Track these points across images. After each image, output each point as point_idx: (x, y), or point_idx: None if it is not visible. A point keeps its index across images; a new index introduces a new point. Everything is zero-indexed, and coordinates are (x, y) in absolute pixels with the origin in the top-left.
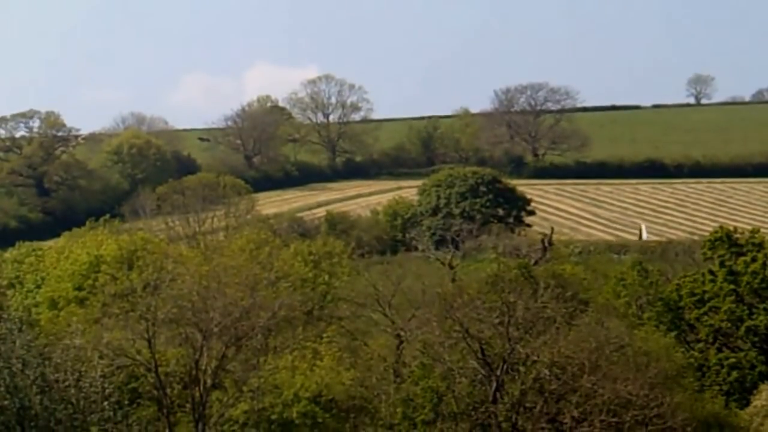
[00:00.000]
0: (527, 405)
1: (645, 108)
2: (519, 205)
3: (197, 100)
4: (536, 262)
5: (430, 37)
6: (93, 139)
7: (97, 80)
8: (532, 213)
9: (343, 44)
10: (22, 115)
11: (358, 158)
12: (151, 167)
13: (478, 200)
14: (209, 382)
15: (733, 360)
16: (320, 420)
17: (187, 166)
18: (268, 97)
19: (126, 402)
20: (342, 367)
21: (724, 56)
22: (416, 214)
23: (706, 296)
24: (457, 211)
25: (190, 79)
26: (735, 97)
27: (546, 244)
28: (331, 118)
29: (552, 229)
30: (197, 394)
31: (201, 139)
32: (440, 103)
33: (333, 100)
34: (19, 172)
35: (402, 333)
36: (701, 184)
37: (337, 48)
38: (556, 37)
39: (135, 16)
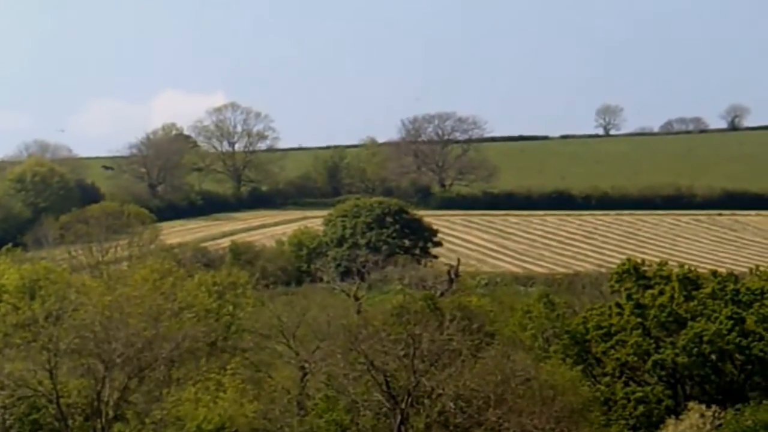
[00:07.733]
0: None
1: (553, 138)
2: (425, 236)
3: (102, 127)
4: (442, 294)
5: (335, 65)
6: None
7: None
8: (438, 244)
9: (250, 72)
10: None
11: (263, 188)
12: (55, 196)
13: (384, 231)
14: (111, 413)
15: (639, 394)
16: None
17: (90, 195)
18: (173, 125)
19: None
20: (245, 399)
21: (633, 87)
22: (322, 245)
23: (613, 329)
24: (362, 241)
25: (95, 106)
26: (644, 128)
27: (452, 276)
28: (236, 146)
29: (458, 260)
30: (99, 426)
31: (105, 167)
32: (347, 133)
33: (239, 128)
34: None
35: (306, 365)
36: (609, 216)
37: (244, 75)
38: (465, 66)
39: (39, 39)
